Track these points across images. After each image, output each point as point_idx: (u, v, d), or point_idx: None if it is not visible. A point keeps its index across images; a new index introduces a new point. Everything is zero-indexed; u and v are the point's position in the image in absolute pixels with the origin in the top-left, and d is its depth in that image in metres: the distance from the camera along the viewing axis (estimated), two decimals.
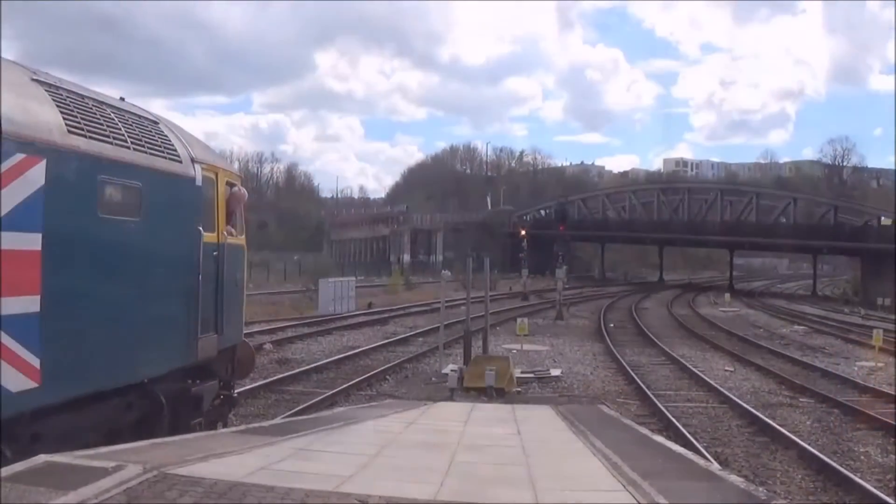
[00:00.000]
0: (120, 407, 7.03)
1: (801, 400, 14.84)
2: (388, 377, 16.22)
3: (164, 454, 5.34)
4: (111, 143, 6.48)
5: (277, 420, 10.53)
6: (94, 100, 6.80)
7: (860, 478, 9.13)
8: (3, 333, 5.25)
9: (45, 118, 5.80)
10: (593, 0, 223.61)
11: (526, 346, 21.12)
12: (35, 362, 5.51)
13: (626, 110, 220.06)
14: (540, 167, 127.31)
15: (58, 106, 6.04)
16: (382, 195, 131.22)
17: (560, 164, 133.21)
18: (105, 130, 6.48)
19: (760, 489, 6.03)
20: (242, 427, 8.71)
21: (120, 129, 6.75)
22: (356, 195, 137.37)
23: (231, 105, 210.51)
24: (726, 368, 19.11)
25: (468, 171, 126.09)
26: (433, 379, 15.94)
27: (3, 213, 5.22)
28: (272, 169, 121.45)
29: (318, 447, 6.68)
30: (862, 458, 10.56)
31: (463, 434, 8.25)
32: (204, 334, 8.12)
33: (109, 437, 6.77)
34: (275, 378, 14.80)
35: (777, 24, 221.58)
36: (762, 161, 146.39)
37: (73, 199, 5.98)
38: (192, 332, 7.89)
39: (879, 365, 20.04)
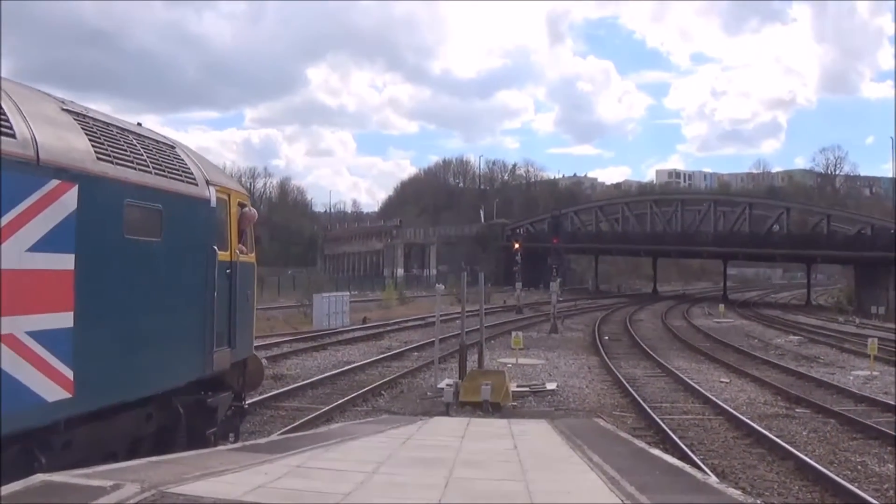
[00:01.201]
0: (141, 417, 7.37)
1: (797, 410, 14.91)
2: (383, 392, 16.20)
3: (161, 473, 5.33)
4: (135, 169, 6.85)
5: (274, 437, 10.50)
6: (117, 127, 7.15)
7: (857, 488, 9.19)
8: (41, 347, 5.59)
9: (76, 146, 6.14)
10: (584, 11, 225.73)
11: (521, 360, 21.13)
12: (69, 374, 5.85)
13: (617, 122, 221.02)
14: (533, 180, 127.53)
15: (87, 134, 6.38)
16: (375, 209, 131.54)
17: (553, 177, 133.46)
18: (129, 156, 6.84)
19: (758, 501, 6.03)
20: (238, 444, 8.72)
21: (142, 155, 7.12)
22: (349, 209, 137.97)
23: (223, 120, 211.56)
24: (722, 380, 19.18)
25: (461, 184, 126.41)
26: (429, 394, 15.91)
27: (39, 235, 5.60)
28: (265, 184, 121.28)
29: (315, 464, 6.65)
30: (859, 467, 10.62)
31: (460, 449, 8.22)
32: (218, 348, 8.46)
33: (132, 446, 7.19)
34: (270, 394, 14.77)
35: (767, 33, 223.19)
36: (754, 171, 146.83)
37: (102, 222, 6.35)
38: (208, 345, 8.24)
39: (875, 374, 20.14)
